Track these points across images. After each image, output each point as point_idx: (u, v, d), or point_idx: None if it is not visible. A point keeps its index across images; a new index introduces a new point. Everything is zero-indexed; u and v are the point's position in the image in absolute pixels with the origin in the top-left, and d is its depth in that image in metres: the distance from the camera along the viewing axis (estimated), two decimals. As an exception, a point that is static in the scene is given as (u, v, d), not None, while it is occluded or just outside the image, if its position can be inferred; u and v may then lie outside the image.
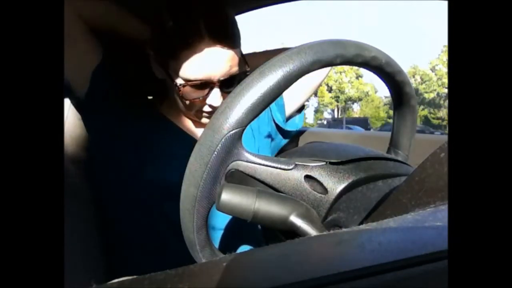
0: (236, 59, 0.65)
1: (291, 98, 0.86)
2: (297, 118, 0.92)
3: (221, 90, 0.66)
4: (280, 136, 0.88)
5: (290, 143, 0.95)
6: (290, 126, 0.89)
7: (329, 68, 0.85)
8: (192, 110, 0.69)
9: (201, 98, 0.66)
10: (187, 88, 0.64)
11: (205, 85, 0.64)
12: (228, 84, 0.66)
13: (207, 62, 0.62)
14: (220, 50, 0.62)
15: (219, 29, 0.62)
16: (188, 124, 0.76)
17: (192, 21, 0.61)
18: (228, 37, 0.63)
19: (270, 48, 0.90)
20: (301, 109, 0.92)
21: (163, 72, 0.67)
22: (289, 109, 0.87)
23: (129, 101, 0.72)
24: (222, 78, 0.64)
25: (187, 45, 0.60)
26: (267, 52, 0.85)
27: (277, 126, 0.86)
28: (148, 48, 0.68)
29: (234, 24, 0.66)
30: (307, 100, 0.93)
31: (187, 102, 0.67)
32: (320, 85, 0.89)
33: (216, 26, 0.61)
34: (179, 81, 0.64)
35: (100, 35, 0.68)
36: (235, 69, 0.65)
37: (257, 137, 0.82)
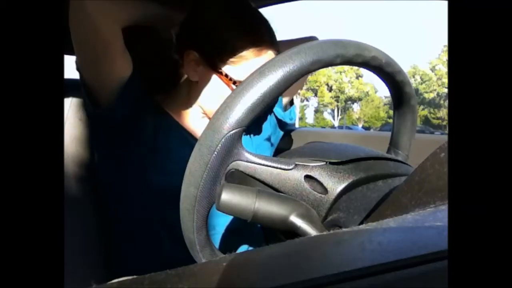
0: None
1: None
2: (292, 110, 0.97)
3: None
4: (278, 129, 0.92)
5: (284, 138, 0.98)
6: (288, 118, 0.93)
7: None
8: None
9: None
10: None
11: None
12: None
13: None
14: (273, 50, 0.70)
15: (273, 35, 0.70)
16: (192, 122, 0.75)
17: (261, 35, 0.67)
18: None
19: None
20: (291, 102, 0.98)
21: (206, 74, 0.69)
22: (284, 101, 0.93)
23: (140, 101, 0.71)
24: None
25: (255, 55, 0.67)
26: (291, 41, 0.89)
27: (277, 119, 0.90)
28: (194, 50, 0.68)
29: None
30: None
31: None
32: (308, 77, 0.95)
33: (272, 34, 0.70)
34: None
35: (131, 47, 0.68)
36: None
37: (255, 136, 0.82)
